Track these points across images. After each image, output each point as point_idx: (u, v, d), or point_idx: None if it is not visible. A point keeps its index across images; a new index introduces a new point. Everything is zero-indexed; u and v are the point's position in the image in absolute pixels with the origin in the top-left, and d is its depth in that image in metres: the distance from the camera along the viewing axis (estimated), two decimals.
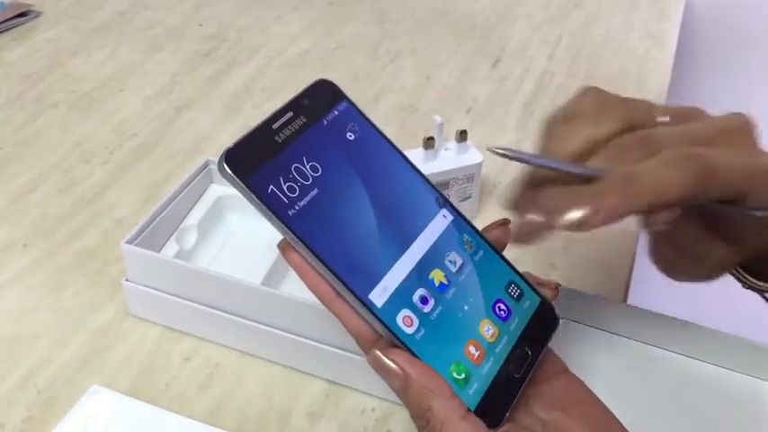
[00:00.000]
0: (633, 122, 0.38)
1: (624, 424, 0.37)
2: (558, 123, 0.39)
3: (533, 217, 0.35)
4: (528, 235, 0.35)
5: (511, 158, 0.37)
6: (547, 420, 0.35)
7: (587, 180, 0.35)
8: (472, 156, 0.64)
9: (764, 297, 0.53)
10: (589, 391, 0.37)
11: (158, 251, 0.56)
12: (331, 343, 0.50)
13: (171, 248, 0.56)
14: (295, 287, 0.52)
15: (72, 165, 0.72)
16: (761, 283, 0.52)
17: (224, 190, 0.61)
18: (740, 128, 0.39)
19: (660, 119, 0.38)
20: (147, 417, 0.48)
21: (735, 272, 0.53)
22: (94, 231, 0.64)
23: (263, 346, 0.53)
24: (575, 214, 0.33)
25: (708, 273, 0.43)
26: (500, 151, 0.37)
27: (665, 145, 0.36)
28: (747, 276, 0.52)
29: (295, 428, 0.49)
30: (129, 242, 0.52)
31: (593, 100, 0.39)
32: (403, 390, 0.32)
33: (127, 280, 0.54)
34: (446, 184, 0.63)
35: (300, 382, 0.52)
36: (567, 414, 0.35)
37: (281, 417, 0.50)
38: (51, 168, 0.72)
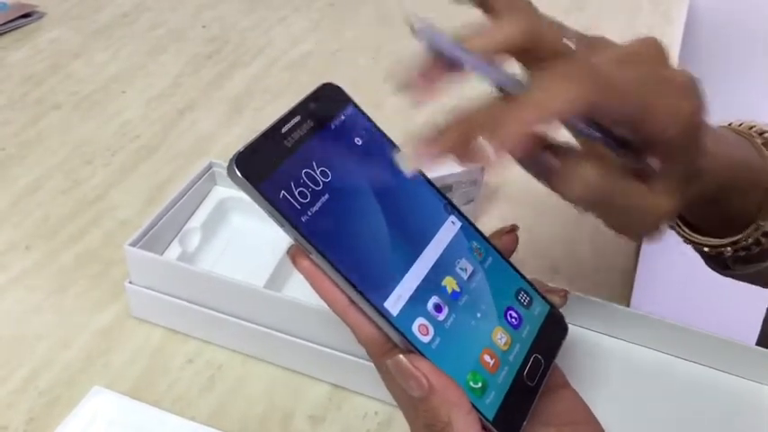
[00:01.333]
0: (538, 34, 0.35)
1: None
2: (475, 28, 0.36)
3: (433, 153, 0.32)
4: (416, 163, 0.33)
5: (427, 41, 0.34)
6: None
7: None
8: None
9: (701, 253, 0.52)
10: (586, 408, 0.37)
11: (161, 253, 0.56)
12: (334, 346, 0.50)
13: (174, 251, 0.56)
14: (298, 290, 0.52)
15: (74, 166, 0.72)
16: (696, 236, 0.50)
17: (227, 192, 0.61)
18: (647, 48, 0.37)
19: (566, 40, 0.37)
20: (148, 418, 0.48)
21: (675, 225, 0.51)
22: (97, 233, 0.64)
23: (265, 349, 0.53)
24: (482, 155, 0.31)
25: None
26: (418, 26, 0.33)
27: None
28: (684, 228, 0.51)
29: (297, 431, 0.49)
30: (133, 244, 0.52)
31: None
32: (423, 399, 0.32)
33: (130, 282, 0.54)
34: (449, 188, 0.63)
35: (303, 385, 0.52)
36: None
37: (284, 420, 0.50)
38: (53, 170, 0.72)
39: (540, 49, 0.36)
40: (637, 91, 0.34)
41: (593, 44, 0.38)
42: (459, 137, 0.33)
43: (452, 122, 0.34)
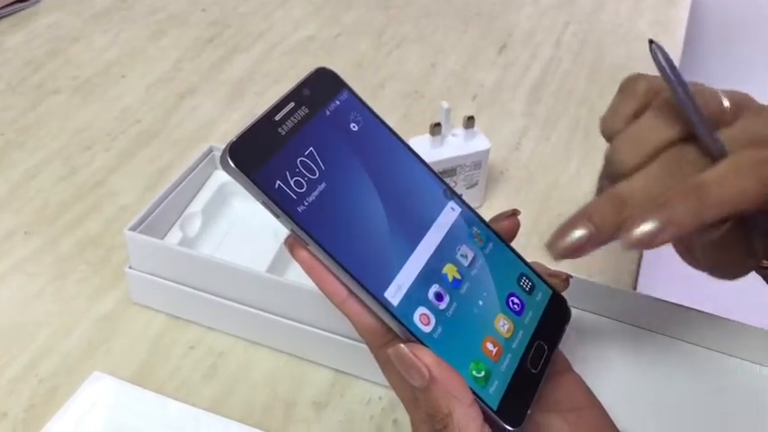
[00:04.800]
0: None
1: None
2: (618, 130, 0.35)
3: (580, 233, 0.32)
4: (573, 252, 0.32)
5: (660, 67, 0.33)
6: (542, 423, 0.34)
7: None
8: (479, 142, 0.63)
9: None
10: (590, 393, 0.36)
11: (162, 238, 0.55)
12: (337, 332, 0.49)
13: (175, 236, 0.56)
14: (300, 275, 0.52)
15: (74, 152, 0.72)
16: None
17: (228, 176, 0.60)
18: None
19: (725, 103, 0.35)
20: (150, 404, 0.48)
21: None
22: (97, 219, 0.64)
23: (268, 335, 0.52)
24: (641, 229, 0.30)
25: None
26: (659, 55, 0.32)
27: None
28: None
29: (300, 418, 0.49)
30: (133, 229, 0.52)
31: (647, 95, 0.36)
32: (424, 389, 0.31)
33: (130, 267, 0.53)
34: (453, 171, 0.62)
35: (306, 371, 0.52)
36: (564, 419, 0.35)
37: (287, 406, 0.49)
38: (53, 155, 0.71)
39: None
40: None
41: (740, 105, 0.36)
42: (609, 214, 0.32)
43: (604, 198, 0.32)
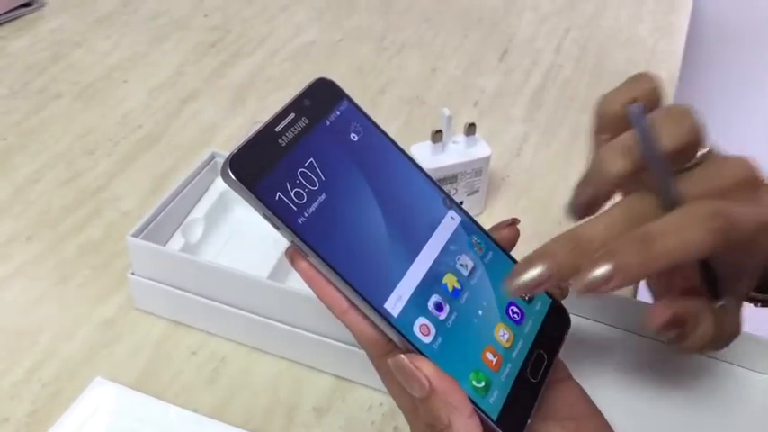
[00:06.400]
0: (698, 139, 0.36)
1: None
2: (612, 111, 0.38)
3: (540, 270, 0.32)
4: (530, 289, 0.33)
5: (632, 120, 0.35)
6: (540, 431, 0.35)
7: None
8: (480, 149, 0.63)
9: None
10: (589, 401, 0.36)
11: (164, 244, 0.55)
12: (338, 338, 0.49)
13: (177, 242, 0.56)
14: (301, 282, 0.52)
15: (76, 156, 0.72)
16: (757, 295, 0.50)
17: None
18: (751, 175, 0.36)
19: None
20: (151, 410, 0.48)
21: None
22: (99, 224, 0.64)
23: (269, 341, 0.52)
24: (592, 275, 0.31)
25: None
26: (634, 109, 0.34)
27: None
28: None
29: (301, 423, 0.49)
30: (135, 235, 0.52)
31: (652, 93, 0.38)
32: (424, 400, 0.31)
33: (132, 273, 0.54)
34: (454, 178, 0.62)
35: (307, 376, 0.52)
36: (563, 427, 0.35)
37: (288, 412, 0.50)
38: (55, 160, 0.71)
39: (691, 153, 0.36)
40: (751, 232, 0.34)
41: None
42: (568, 256, 0.32)
43: (566, 238, 0.33)
